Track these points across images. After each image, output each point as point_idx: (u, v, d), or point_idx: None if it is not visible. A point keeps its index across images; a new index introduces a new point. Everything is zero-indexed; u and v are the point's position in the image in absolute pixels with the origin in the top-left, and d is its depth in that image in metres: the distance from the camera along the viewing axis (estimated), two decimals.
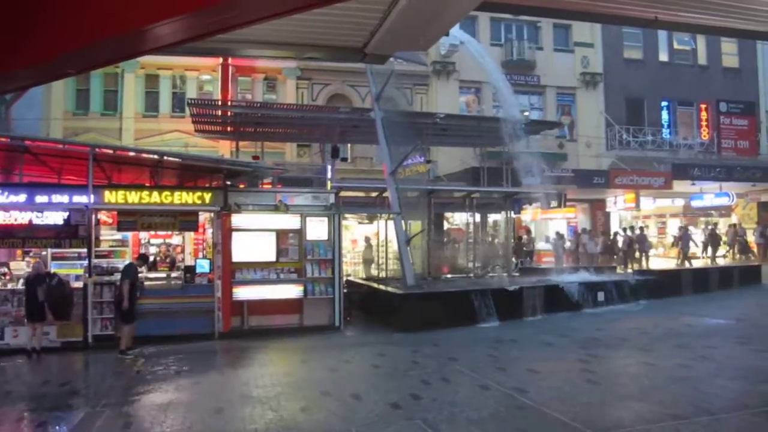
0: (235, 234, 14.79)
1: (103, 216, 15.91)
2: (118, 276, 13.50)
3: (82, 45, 3.10)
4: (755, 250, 29.75)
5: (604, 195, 31.22)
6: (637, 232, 28.16)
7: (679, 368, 10.12)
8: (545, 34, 33.96)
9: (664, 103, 35.17)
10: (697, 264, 27.26)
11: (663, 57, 35.53)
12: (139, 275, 13.86)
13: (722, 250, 29.65)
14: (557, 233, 27.55)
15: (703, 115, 34.96)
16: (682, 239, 27.93)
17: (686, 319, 15.32)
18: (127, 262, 14.52)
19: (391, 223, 19.53)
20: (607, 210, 32.39)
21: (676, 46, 35.74)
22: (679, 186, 29.72)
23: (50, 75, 4.44)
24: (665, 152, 32.87)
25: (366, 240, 24.68)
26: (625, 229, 29.30)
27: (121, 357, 12.25)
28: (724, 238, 30.27)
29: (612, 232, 30.02)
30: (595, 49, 34.18)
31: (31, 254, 15.84)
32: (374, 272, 22.74)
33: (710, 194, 31.15)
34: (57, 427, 8.12)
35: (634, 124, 33.43)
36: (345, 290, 16.37)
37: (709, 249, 28.82)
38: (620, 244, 27.94)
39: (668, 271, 23.29)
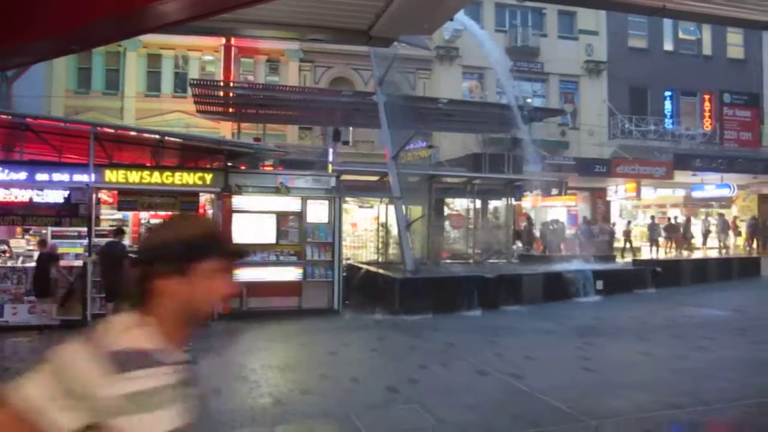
0: (235, 215, 14.78)
1: (103, 195, 15.88)
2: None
3: (86, 21, 3.08)
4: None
5: (605, 184, 31.19)
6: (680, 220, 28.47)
7: (676, 358, 10.15)
8: (550, 21, 33.81)
9: (667, 93, 35.06)
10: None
11: (668, 46, 35.39)
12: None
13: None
14: (553, 220, 27.55)
15: (707, 105, 34.86)
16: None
17: (684, 310, 15.34)
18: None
19: (391, 208, 19.52)
20: (608, 199, 32.37)
21: (681, 35, 35.59)
22: (681, 176, 29.68)
23: (55, 51, 4.43)
24: (667, 142, 32.81)
25: (383, 225, 24.66)
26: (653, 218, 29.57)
27: None
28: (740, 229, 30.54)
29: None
30: (599, 37, 34.04)
31: (31, 232, 15.85)
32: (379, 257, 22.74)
33: (711, 185, 31.11)
34: None
35: (636, 113, 33.34)
36: (344, 274, 16.38)
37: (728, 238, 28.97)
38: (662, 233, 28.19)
39: (667, 261, 23.31)
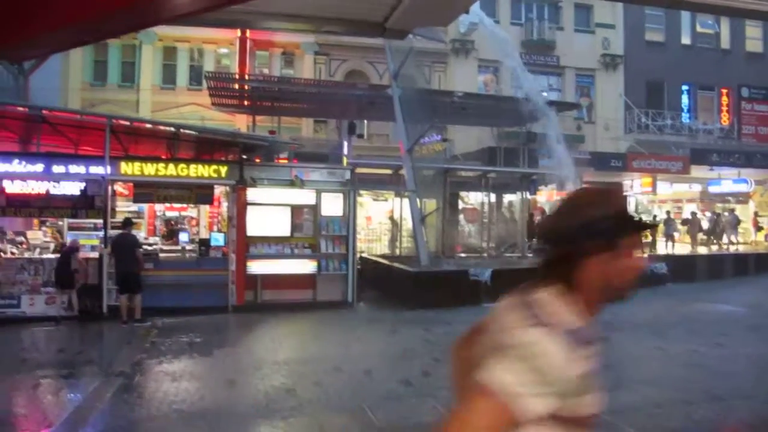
0: (250, 208, 14.82)
1: (119, 187, 15.96)
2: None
3: (101, 12, 3.08)
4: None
5: (620, 178, 30.91)
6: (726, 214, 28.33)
7: (691, 354, 10.09)
8: (566, 15, 33.59)
9: (684, 87, 34.73)
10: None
11: (685, 40, 35.05)
12: (155, 247, 13.92)
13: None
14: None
15: (724, 100, 34.51)
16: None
17: (699, 306, 15.25)
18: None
19: (406, 201, 19.50)
20: (624, 193, 32.14)
21: (699, 29, 35.22)
22: (697, 171, 29.39)
23: (69, 42, 4.42)
24: (684, 137, 32.50)
25: (390, 218, 24.66)
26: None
27: (126, 327, 12.42)
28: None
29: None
30: (616, 31, 33.78)
31: (47, 224, 15.97)
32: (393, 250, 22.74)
33: (728, 180, 30.79)
34: (72, 395, 8.20)
35: (653, 107, 33.07)
36: (358, 267, 16.39)
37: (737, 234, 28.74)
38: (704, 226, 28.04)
39: (683, 257, 23.15)
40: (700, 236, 27.84)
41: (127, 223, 13.27)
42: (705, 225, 28.88)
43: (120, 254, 12.79)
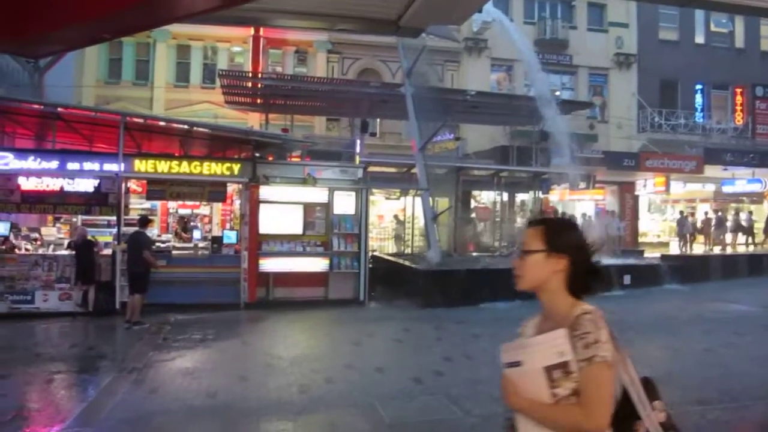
0: (262, 206, 14.87)
1: (132, 184, 16.05)
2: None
3: (115, 8, 3.10)
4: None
5: (633, 177, 30.77)
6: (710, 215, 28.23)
7: (705, 353, 10.04)
8: (579, 13, 33.45)
9: (698, 86, 34.50)
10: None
11: (699, 39, 34.81)
12: (168, 244, 13.96)
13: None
14: (583, 215, 27.32)
15: (738, 99, 34.25)
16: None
17: (713, 305, 15.17)
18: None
19: (418, 200, 19.51)
20: (636, 193, 31.98)
21: (713, 28, 34.97)
22: (711, 171, 29.22)
23: (84, 39, 4.45)
24: (697, 136, 32.28)
25: (395, 217, 24.69)
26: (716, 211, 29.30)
27: (128, 327, 12.16)
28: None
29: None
30: (629, 30, 33.60)
31: (62, 220, 16.07)
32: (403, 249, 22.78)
33: (742, 180, 30.58)
34: (85, 390, 8.25)
35: (666, 106, 32.87)
36: (370, 265, 16.41)
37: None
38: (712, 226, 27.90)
39: (697, 257, 23.05)
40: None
41: (143, 222, 13.19)
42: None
43: (130, 253, 12.78)
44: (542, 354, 2.19)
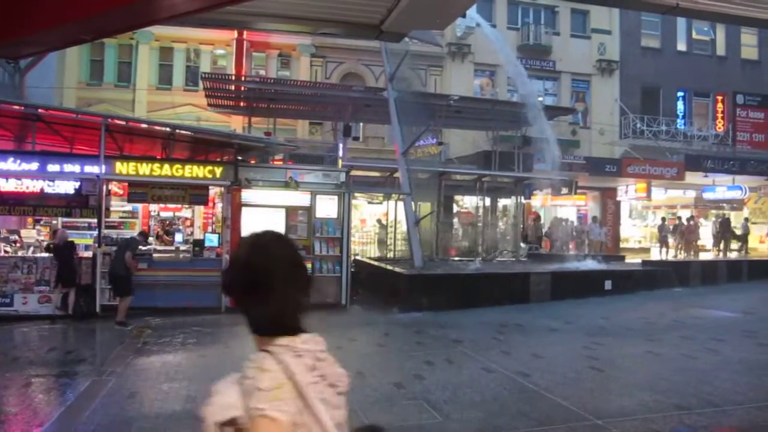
0: (244, 209, 14.83)
1: (113, 187, 15.95)
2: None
3: (96, 10, 3.08)
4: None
5: (615, 183, 31.01)
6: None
7: (684, 359, 10.10)
8: (563, 19, 33.65)
9: (680, 93, 34.81)
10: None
11: (681, 46, 35.14)
12: (149, 247, 13.91)
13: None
14: (555, 217, 27.48)
15: (719, 106, 34.57)
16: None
17: (694, 311, 15.27)
18: (132, 234, 14.59)
19: (401, 204, 19.53)
20: (618, 199, 32.21)
21: (694, 35, 35.31)
22: (692, 177, 29.48)
23: (64, 40, 4.43)
24: (679, 143, 32.59)
25: (378, 221, 24.68)
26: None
27: (119, 328, 12.32)
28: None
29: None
30: (612, 36, 33.86)
31: (42, 222, 15.95)
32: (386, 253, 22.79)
33: (723, 187, 30.91)
34: (63, 394, 8.18)
35: (648, 113, 33.11)
36: (352, 269, 16.39)
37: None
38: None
39: (676, 262, 23.22)
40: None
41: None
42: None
43: (117, 255, 12.75)
44: (214, 407, 1.79)
